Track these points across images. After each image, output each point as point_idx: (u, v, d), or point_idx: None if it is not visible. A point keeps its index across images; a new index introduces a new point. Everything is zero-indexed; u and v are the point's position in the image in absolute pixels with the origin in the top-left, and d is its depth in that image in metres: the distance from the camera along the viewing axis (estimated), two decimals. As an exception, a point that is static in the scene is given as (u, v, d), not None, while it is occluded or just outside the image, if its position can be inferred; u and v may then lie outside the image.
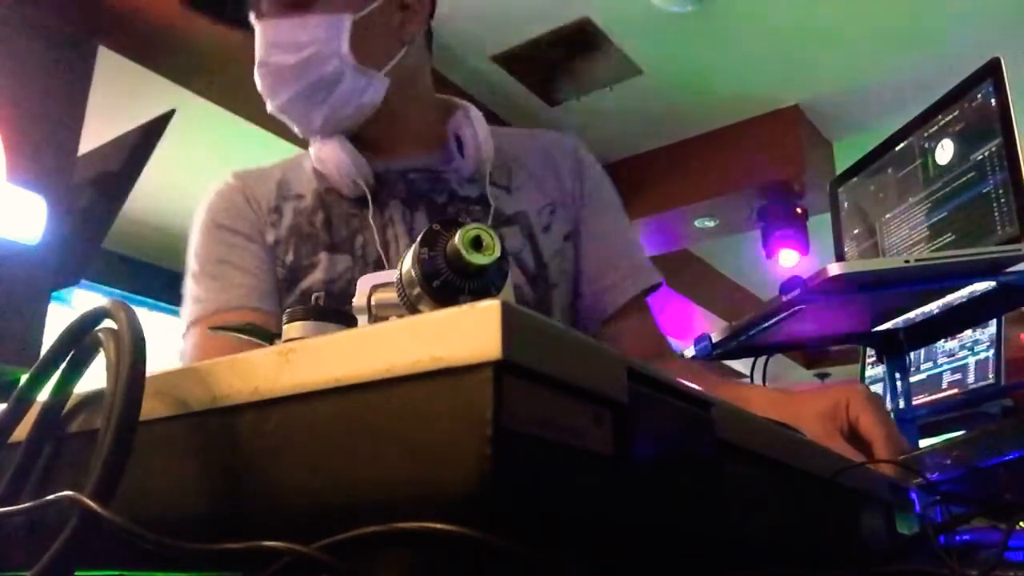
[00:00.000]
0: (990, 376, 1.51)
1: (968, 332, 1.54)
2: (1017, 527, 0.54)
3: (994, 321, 1.47)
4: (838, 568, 0.52)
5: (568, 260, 1.07)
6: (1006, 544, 0.52)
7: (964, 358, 1.57)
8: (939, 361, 1.63)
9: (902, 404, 1.07)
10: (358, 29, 0.99)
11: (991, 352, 1.52)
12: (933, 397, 1.60)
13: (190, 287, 1.06)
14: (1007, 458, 0.67)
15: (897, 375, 1.09)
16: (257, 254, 1.03)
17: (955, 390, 1.57)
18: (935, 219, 1.07)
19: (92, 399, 0.44)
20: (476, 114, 1.06)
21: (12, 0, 2.64)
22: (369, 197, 1.02)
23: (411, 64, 1.06)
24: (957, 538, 0.64)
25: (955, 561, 0.50)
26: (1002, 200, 0.96)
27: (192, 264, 1.06)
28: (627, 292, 1.07)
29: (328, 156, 1.02)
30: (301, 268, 1.01)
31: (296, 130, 1.04)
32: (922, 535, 0.63)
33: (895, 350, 1.08)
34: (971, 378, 1.55)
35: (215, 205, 1.08)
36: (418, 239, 0.42)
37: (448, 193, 1.05)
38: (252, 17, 1.01)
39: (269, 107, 1.00)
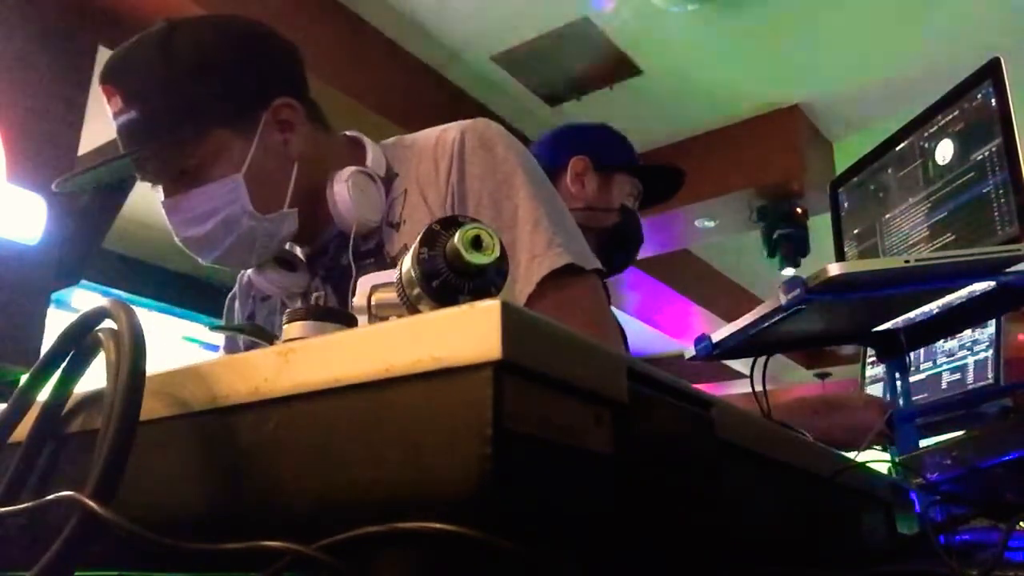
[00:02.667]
0: (989, 376, 1.51)
1: (967, 332, 1.54)
2: (1017, 527, 0.54)
3: (993, 321, 1.47)
4: (838, 568, 0.52)
5: None
6: (1006, 544, 0.52)
7: (963, 358, 1.57)
8: (939, 361, 1.63)
9: (902, 404, 1.07)
10: (252, 182, 0.98)
11: (990, 352, 1.52)
12: (932, 397, 1.60)
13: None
14: (1007, 458, 0.67)
15: (897, 375, 1.09)
16: None
17: (954, 390, 1.57)
18: (935, 219, 1.07)
19: (92, 399, 0.44)
20: (340, 176, 1.02)
21: (12, 0, 2.64)
22: (311, 295, 1.07)
23: (309, 153, 1.04)
24: (957, 538, 0.64)
25: (955, 561, 0.50)
26: (1002, 200, 0.96)
27: None
28: (530, 282, 0.95)
29: (264, 286, 1.07)
30: None
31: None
32: (922, 535, 0.63)
33: (895, 350, 1.08)
34: (970, 378, 1.55)
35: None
36: (418, 239, 0.42)
37: (353, 253, 1.05)
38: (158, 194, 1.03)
39: (204, 263, 1.04)
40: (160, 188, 1.00)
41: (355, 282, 1.01)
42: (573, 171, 1.64)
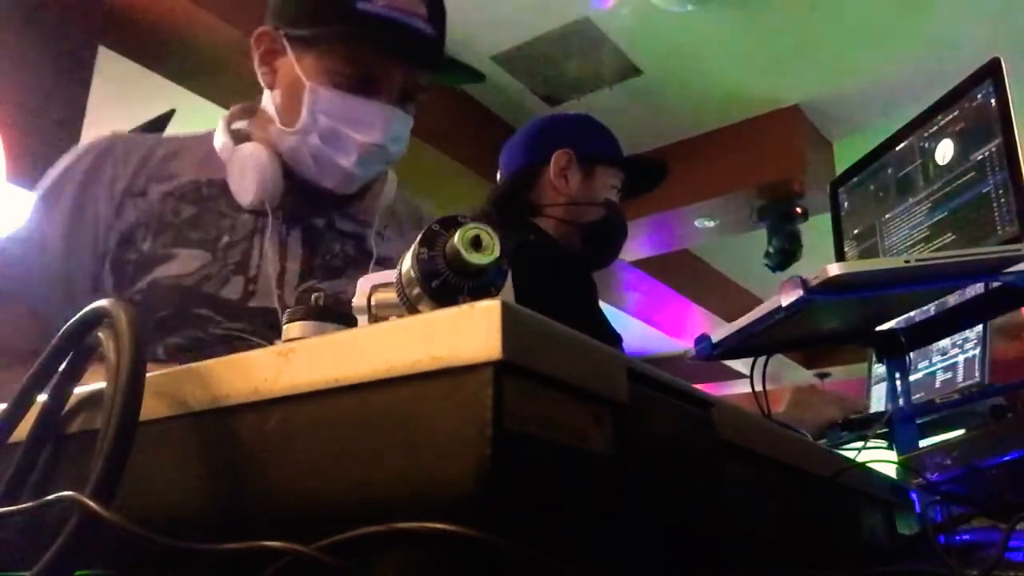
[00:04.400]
0: (976, 374, 1.52)
1: (961, 329, 1.55)
2: (1017, 527, 0.54)
3: (982, 319, 1.48)
4: (838, 568, 0.52)
5: None
6: (1006, 544, 0.52)
7: (955, 356, 1.58)
8: (933, 360, 1.64)
9: (902, 403, 1.07)
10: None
11: (978, 350, 1.53)
12: (928, 396, 1.60)
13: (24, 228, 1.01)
14: (1007, 458, 0.67)
15: (897, 375, 1.09)
16: (82, 235, 1.00)
17: (946, 389, 1.58)
18: (935, 219, 1.07)
19: (92, 399, 0.44)
20: (392, 176, 1.12)
21: (12, 0, 2.64)
22: (270, 215, 1.01)
23: None
24: (957, 538, 0.64)
25: (955, 561, 0.50)
26: (1002, 200, 0.95)
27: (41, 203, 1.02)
28: None
29: (252, 166, 1.01)
30: (157, 257, 0.99)
31: (313, 147, 1.02)
32: (922, 535, 0.63)
33: (895, 350, 1.08)
34: (960, 376, 1.55)
35: (83, 160, 1.04)
36: (417, 239, 0.42)
37: (327, 221, 1.08)
38: (379, 86, 1.01)
39: (343, 162, 1.00)
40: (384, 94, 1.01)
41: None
42: (556, 165, 1.61)
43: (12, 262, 0.99)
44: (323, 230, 1.07)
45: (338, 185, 1.03)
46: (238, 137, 1.06)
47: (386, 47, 0.99)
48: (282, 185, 1.01)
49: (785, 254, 4.30)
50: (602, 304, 1.66)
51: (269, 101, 1.06)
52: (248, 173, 1.00)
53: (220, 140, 1.06)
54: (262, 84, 1.06)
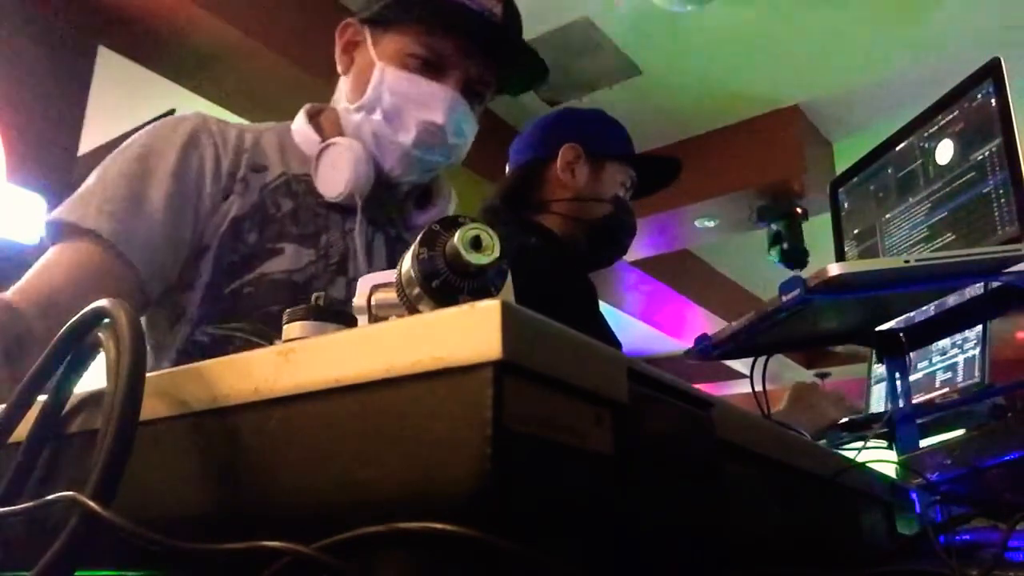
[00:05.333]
0: (976, 374, 1.51)
1: (961, 329, 1.54)
2: (1017, 527, 0.54)
3: (982, 318, 1.48)
4: (838, 568, 0.52)
5: None
6: (1006, 544, 0.52)
7: (954, 356, 1.57)
8: (933, 360, 1.64)
9: (902, 403, 1.07)
10: None
11: (978, 350, 1.52)
12: (928, 396, 1.60)
13: (102, 188, 0.95)
14: (1007, 458, 0.67)
15: (897, 375, 1.09)
16: (184, 214, 0.97)
17: (947, 388, 1.58)
18: (935, 219, 1.07)
19: (92, 399, 0.44)
20: (455, 197, 1.18)
21: (12, 0, 2.64)
22: (359, 210, 1.03)
23: None
24: (957, 538, 0.64)
25: (955, 561, 0.50)
26: (1002, 200, 0.95)
27: (129, 164, 0.97)
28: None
29: (349, 157, 1.01)
30: (264, 251, 0.99)
31: (376, 125, 1.02)
32: (922, 535, 0.63)
33: (895, 350, 1.08)
34: (960, 376, 1.55)
35: (181, 128, 1.01)
36: (417, 239, 0.42)
37: (396, 232, 1.11)
38: (448, 69, 1.03)
39: (403, 138, 1.02)
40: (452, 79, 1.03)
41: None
42: (563, 159, 1.58)
43: (118, 218, 0.93)
44: (395, 240, 1.09)
45: (395, 167, 1.04)
46: (319, 132, 1.08)
47: (457, 30, 1.02)
48: (373, 179, 1.03)
49: (798, 252, 4.29)
50: (602, 304, 1.65)
51: (343, 89, 1.08)
52: (342, 164, 1.01)
53: (304, 134, 1.08)
54: (340, 72, 1.09)
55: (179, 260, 0.97)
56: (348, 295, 0.99)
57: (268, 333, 0.94)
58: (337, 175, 1.01)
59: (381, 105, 1.01)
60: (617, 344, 1.46)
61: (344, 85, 1.08)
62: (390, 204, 1.10)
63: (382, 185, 1.05)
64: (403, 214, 1.13)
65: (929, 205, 1.08)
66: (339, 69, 1.09)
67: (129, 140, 1.01)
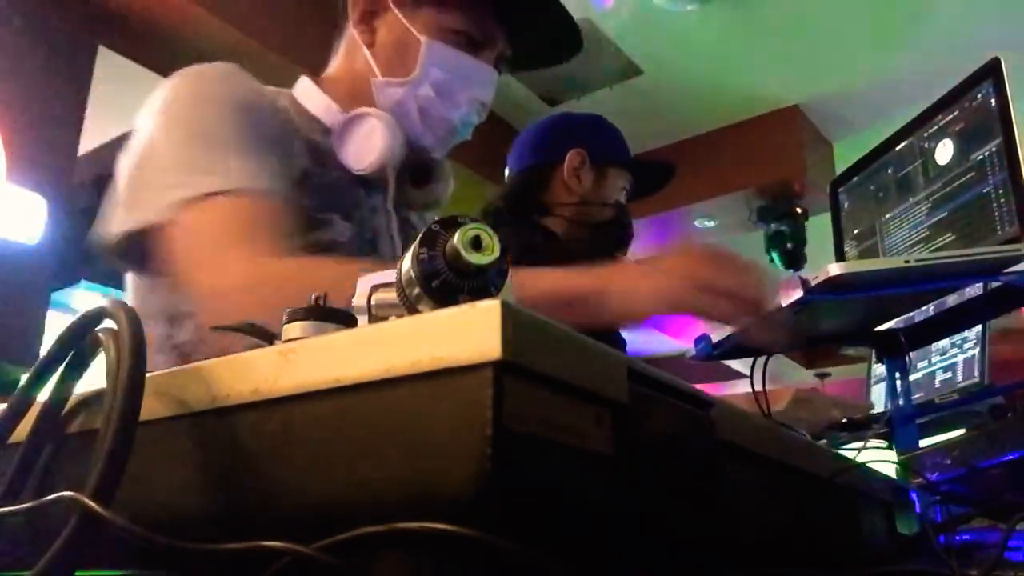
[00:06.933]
0: (976, 374, 1.52)
1: (960, 329, 1.54)
2: (1017, 527, 0.54)
3: (981, 319, 1.48)
4: (838, 568, 0.52)
5: None
6: (1006, 544, 0.52)
7: (954, 356, 1.58)
8: (933, 360, 1.64)
9: (902, 403, 1.07)
10: None
11: (977, 350, 1.53)
12: (928, 396, 1.60)
13: (210, 158, 0.88)
14: (1007, 458, 0.67)
15: (897, 375, 1.09)
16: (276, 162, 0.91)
17: (945, 388, 1.58)
18: (935, 219, 1.07)
19: (92, 399, 0.44)
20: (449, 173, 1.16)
21: (11, 0, 2.64)
22: (392, 185, 1.02)
23: None
24: (957, 538, 0.64)
25: (955, 561, 0.50)
26: (1002, 200, 0.95)
27: (214, 132, 0.90)
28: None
29: (383, 128, 0.99)
30: (315, 219, 0.94)
31: (402, 95, 1.01)
32: (922, 535, 0.63)
33: (895, 350, 1.08)
34: (960, 376, 1.55)
35: (239, 87, 0.96)
36: (417, 239, 0.42)
37: (406, 217, 1.10)
38: (491, 55, 1.05)
39: (452, 115, 1.02)
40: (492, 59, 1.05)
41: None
42: (570, 165, 1.63)
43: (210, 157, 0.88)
44: (404, 221, 1.08)
45: (436, 143, 1.05)
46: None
47: (505, 7, 1.03)
48: (405, 150, 1.02)
49: (797, 252, 4.30)
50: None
51: (366, 59, 1.04)
52: (377, 137, 0.99)
53: (324, 103, 1.04)
54: (359, 43, 1.05)
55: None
56: None
57: (269, 333, 0.93)
58: (371, 147, 0.99)
59: (430, 80, 1.00)
60: (623, 342, 1.47)
61: (371, 59, 1.03)
62: (413, 176, 1.10)
63: (407, 161, 1.05)
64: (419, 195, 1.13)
65: (929, 205, 1.08)
66: (359, 39, 1.05)
67: (174, 97, 0.96)
